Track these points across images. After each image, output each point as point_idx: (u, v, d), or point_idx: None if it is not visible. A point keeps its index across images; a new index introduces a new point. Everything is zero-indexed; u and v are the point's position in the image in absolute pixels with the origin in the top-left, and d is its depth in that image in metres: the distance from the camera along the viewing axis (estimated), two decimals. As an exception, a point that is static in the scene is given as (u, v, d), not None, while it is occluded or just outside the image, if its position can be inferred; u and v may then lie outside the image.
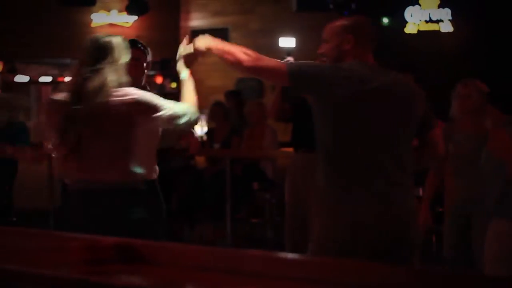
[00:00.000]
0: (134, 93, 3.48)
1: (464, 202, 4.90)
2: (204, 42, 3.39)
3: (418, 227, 3.35)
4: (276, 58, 3.31)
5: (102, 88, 3.42)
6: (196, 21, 11.14)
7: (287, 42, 9.24)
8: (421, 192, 7.01)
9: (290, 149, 6.32)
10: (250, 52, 3.25)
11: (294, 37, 9.37)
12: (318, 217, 3.32)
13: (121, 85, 3.47)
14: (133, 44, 3.80)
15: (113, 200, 3.51)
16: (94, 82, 3.43)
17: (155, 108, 3.49)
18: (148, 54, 4.07)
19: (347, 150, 3.23)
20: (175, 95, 3.75)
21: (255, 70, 3.27)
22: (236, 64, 3.26)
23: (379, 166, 3.20)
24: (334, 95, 3.19)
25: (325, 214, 3.26)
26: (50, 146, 3.58)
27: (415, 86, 3.40)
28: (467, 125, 4.95)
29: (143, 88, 3.78)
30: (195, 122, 3.65)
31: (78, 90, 3.45)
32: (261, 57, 3.25)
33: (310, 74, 3.22)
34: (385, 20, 11.41)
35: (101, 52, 3.49)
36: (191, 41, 3.47)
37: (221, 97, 9.30)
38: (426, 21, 11.18)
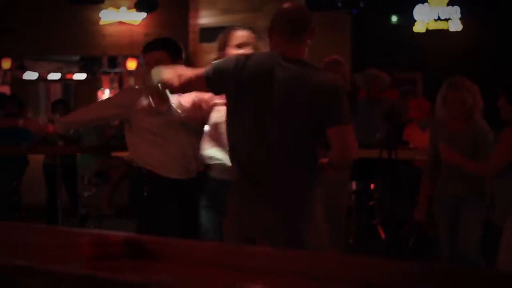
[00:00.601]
0: None
1: (455, 200, 4.77)
2: (155, 81, 3.33)
3: (313, 225, 3.09)
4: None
5: None
6: (204, 18, 11.12)
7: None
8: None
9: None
10: (181, 71, 3.26)
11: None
12: None
13: None
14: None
15: None
16: None
17: None
18: None
19: (236, 143, 3.15)
20: None
21: (184, 89, 3.32)
22: (174, 91, 3.38)
23: (264, 162, 3.06)
24: (227, 88, 3.14)
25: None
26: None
27: (325, 81, 3.04)
28: (459, 124, 4.77)
29: None
30: None
31: None
32: (184, 73, 3.23)
33: (217, 72, 3.14)
34: (394, 19, 11.39)
35: None
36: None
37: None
38: (435, 20, 11.14)
